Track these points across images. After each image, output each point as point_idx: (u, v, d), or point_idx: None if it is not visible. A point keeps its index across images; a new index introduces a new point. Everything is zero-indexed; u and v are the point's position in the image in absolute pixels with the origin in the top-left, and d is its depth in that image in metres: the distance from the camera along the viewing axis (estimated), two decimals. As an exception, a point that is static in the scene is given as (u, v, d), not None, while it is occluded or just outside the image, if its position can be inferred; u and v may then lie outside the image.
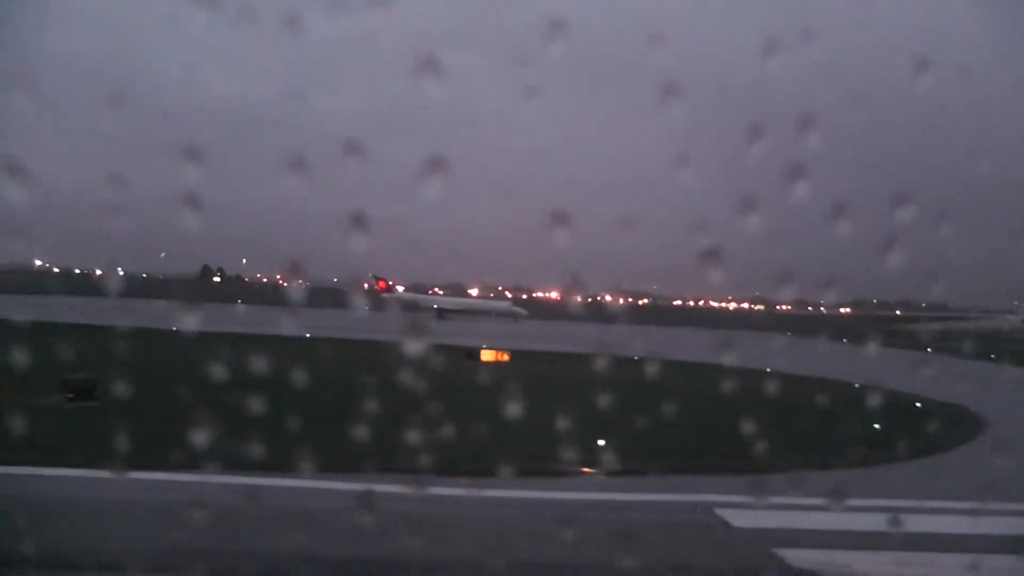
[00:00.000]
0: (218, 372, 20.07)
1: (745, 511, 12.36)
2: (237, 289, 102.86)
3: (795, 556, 10.19)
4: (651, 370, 33.13)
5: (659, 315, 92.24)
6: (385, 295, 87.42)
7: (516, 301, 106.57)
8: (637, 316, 79.63)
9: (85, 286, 74.23)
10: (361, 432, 13.61)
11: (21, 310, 42.24)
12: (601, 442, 17.50)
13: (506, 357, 37.29)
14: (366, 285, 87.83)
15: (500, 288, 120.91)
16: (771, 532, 11.09)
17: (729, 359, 35.55)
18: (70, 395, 21.00)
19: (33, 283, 78.06)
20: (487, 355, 38.02)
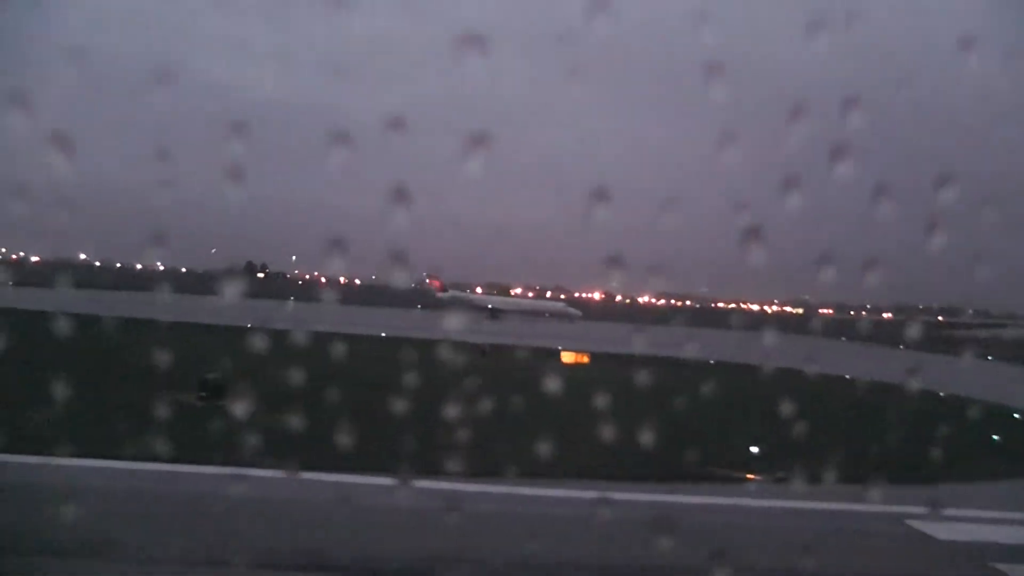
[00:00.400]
0: (324, 371, 20.31)
1: (942, 524, 12.30)
2: (282, 286, 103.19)
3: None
4: (741, 374, 33.14)
5: (706, 317, 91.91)
6: (439, 295, 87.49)
7: (557, 301, 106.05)
8: (685, 318, 79.31)
9: (130, 280, 74.82)
10: (521, 436, 13.78)
11: (87, 305, 42.74)
12: (754, 449, 17.53)
13: (586, 359, 37.37)
14: (414, 284, 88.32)
15: (539, 288, 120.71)
16: (982, 546, 11.07)
17: (812, 365, 35.56)
18: (203, 394, 21.32)
19: (79, 277, 78.81)
20: (567, 357, 38.12)
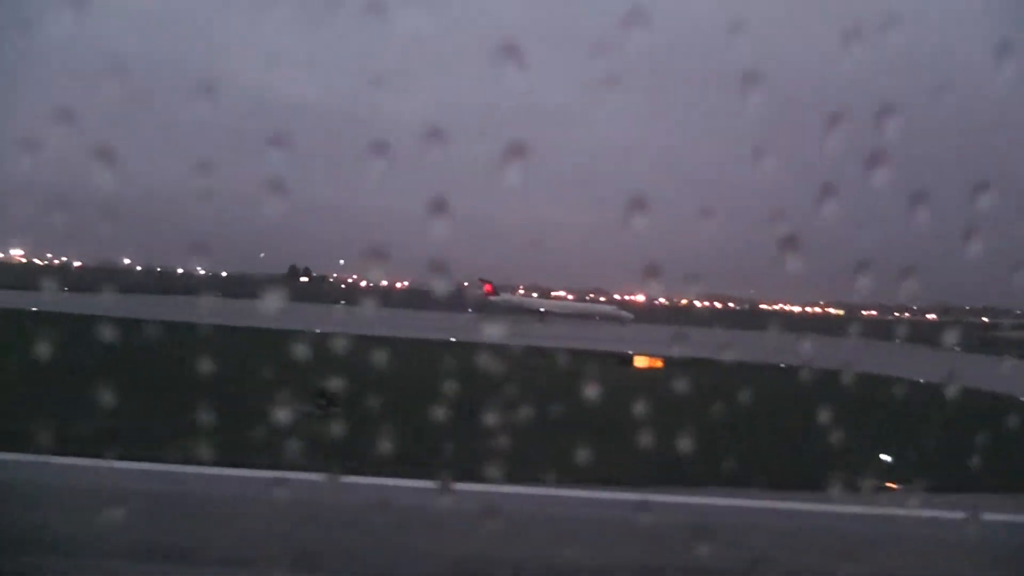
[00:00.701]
0: (417, 376, 20.53)
1: None
2: (326, 289, 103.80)
3: None
4: (819, 379, 33.01)
5: (752, 320, 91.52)
6: (491, 298, 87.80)
7: (607, 304, 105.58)
8: (732, 321, 79.00)
9: (173, 285, 75.44)
10: (650, 446, 13.78)
11: (143, 311, 43.05)
12: (885, 457, 17.56)
13: (659, 363, 37.26)
14: (463, 287, 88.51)
15: (578, 290, 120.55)
16: None
17: (885, 368, 35.43)
18: (322, 402, 21.64)
19: (123, 283, 79.34)
20: (640, 361, 38.09)
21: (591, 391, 25.20)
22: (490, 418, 16.78)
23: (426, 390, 16.88)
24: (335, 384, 22.56)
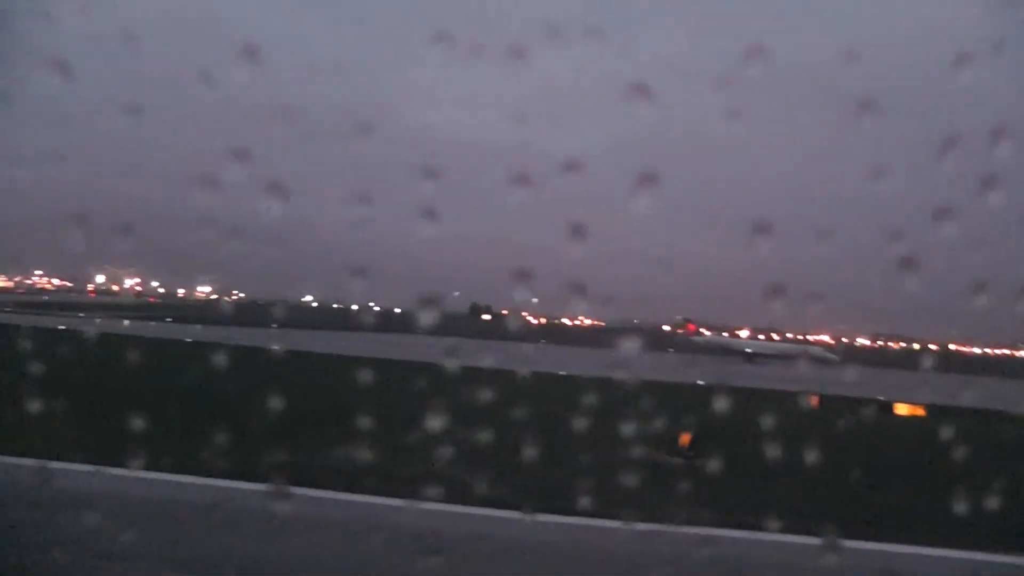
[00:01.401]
0: (743, 423, 20.99)
1: None
2: (510, 327, 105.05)
3: None
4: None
5: (947, 361, 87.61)
6: (694, 338, 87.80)
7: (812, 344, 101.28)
8: (929, 362, 76.10)
9: (356, 321, 77.59)
10: None
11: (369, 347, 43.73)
12: None
13: (922, 411, 36.78)
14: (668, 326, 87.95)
15: (753, 328, 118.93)
16: None
17: None
18: (691, 453, 22.54)
19: (308, 318, 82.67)
20: (902, 408, 37.70)
21: (922, 445, 25.61)
22: (860, 470, 17.51)
23: (753, 435, 17.11)
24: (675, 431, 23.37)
